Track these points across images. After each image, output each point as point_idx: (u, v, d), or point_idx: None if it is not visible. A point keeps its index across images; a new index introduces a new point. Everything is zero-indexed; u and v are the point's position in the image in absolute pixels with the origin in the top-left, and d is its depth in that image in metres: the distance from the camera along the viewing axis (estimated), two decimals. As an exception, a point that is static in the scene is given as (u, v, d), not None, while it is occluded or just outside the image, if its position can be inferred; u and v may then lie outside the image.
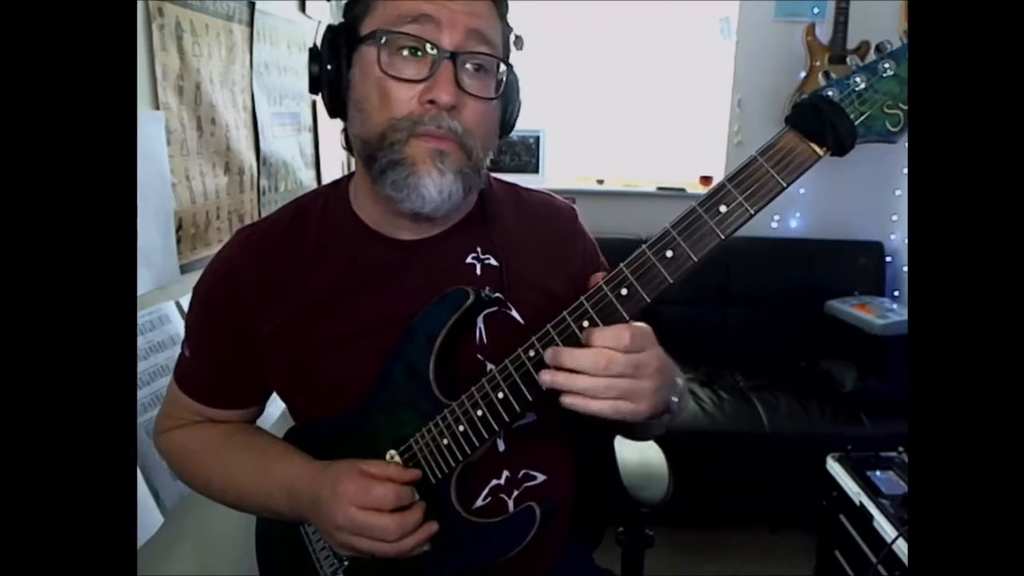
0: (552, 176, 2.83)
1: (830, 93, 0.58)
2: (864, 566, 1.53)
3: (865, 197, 2.64)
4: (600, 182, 2.84)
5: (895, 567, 1.41)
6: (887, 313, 2.23)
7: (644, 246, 0.62)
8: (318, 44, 0.74)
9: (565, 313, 0.64)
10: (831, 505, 1.69)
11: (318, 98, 1.88)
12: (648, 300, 0.61)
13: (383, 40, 0.67)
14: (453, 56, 0.67)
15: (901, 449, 1.67)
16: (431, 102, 0.67)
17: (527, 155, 2.80)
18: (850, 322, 2.28)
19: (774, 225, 2.70)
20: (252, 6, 1.40)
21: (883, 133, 0.58)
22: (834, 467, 1.70)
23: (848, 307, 2.33)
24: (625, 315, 0.62)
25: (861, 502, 1.56)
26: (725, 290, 2.53)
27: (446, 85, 0.67)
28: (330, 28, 0.73)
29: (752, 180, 0.59)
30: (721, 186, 0.59)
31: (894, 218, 2.62)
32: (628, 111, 2.82)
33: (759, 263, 2.56)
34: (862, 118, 0.57)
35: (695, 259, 0.60)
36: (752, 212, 0.59)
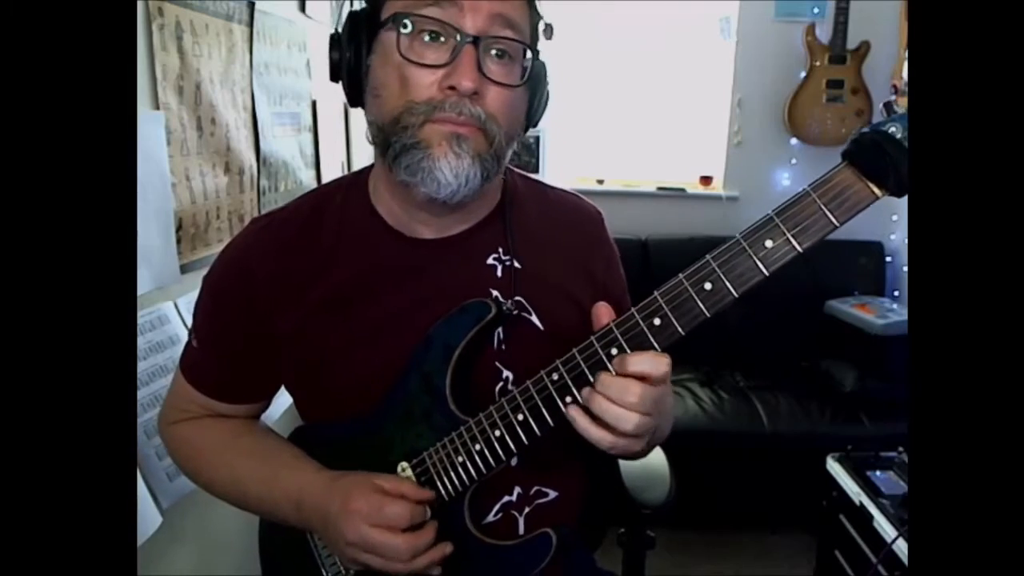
0: (552, 176, 2.83)
1: (892, 130, 0.53)
2: (864, 566, 1.53)
3: (865, 197, 2.64)
4: (600, 182, 2.84)
5: (895, 567, 1.41)
6: (887, 313, 2.23)
7: (681, 275, 0.58)
8: (339, 31, 0.71)
9: (593, 338, 0.61)
10: (831, 505, 1.69)
11: (319, 98, 1.87)
12: (683, 333, 0.59)
13: (403, 24, 0.65)
14: (475, 40, 0.64)
15: (901, 449, 1.67)
16: (452, 88, 0.64)
17: (527, 155, 2.80)
18: (850, 322, 2.28)
19: (774, 225, 2.70)
20: (252, 6, 1.40)
21: None
22: (834, 467, 1.70)
23: (848, 307, 2.33)
24: (656, 346, 0.59)
25: (861, 502, 1.56)
26: (725, 290, 2.53)
27: (468, 71, 0.64)
28: (351, 14, 0.70)
29: (802, 216, 0.55)
30: (768, 220, 0.56)
31: (894, 218, 2.62)
32: (628, 111, 2.82)
33: (759, 263, 2.56)
34: None
35: (735, 294, 0.57)
36: (800, 250, 0.55)
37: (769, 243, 0.56)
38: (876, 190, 0.54)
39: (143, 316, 1.07)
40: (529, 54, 0.69)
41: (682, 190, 2.76)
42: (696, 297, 0.58)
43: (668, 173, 2.84)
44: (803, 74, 2.53)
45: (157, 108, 1.09)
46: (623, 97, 2.81)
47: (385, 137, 0.68)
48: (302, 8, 1.71)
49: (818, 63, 2.50)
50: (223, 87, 1.30)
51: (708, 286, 0.57)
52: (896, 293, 2.58)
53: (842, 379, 2.22)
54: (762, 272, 0.56)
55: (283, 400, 0.87)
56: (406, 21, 0.65)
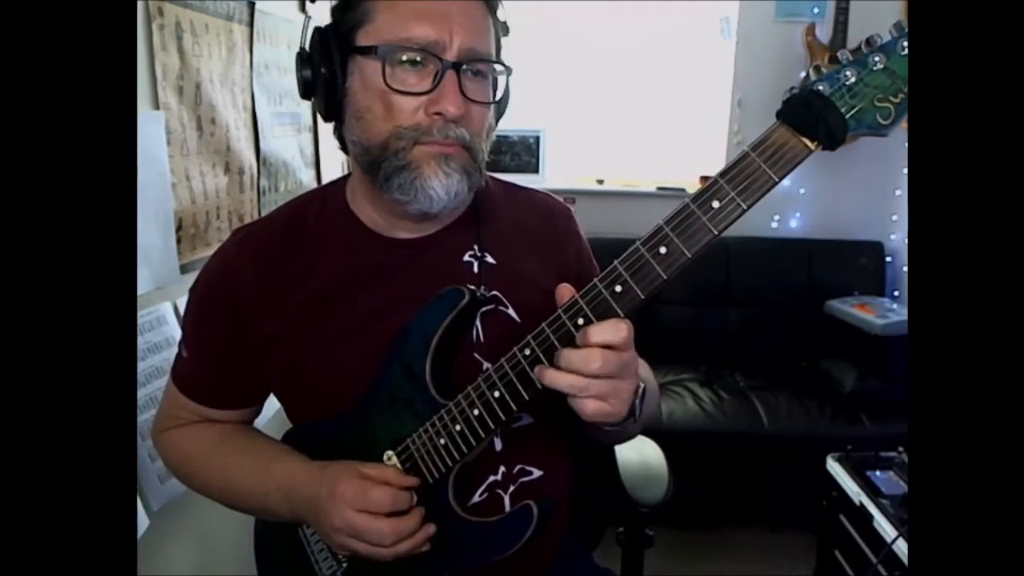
0: (552, 176, 2.83)
1: (821, 87, 0.58)
2: (864, 566, 1.53)
3: (865, 197, 2.64)
4: (600, 182, 2.84)
5: (895, 567, 1.40)
6: (887, 313, 2.22)
7: (638, 242, 0.62)
8: (307, 47, 0.73)
9: (560, 311, 0.64)
10: (831, 505, 1.69)
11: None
12: (643, 297, 0.61)
13: (387, 55, 0.67)
14: (456, 65, 0.68)
15: (901, 449, 1.67)
16: (438, 114, 0.68)
17: (527, 155, 2.79)
18: (850, 322, 2.28)
19: (774, 225, 2.70)
20: (252, 6, 1.40)
21: (873, 126, 0.57)
22: (834, 467, 1.70)
23: (848, 307, 2.32)
24: (620, 312, 0.62)
25: (861, 502, 1.56)
26: (725, 290, 2.53)
27: (453, 97, 0.68)
28: (320, 32, 0.72)
29: (744, 175, 0.58)
30: (714, 182, 0.59)
31: (894, 218, 2.62)
32: (628, 111, 2.82)
33: (759, 263, 2.56)
34: (853, 112, 0.57)
35: (689, 255, 0.60)
36: (745, 207, 0.58)
37: (716, 203, 0.59)
38: (809, 144, 0.57)
39: (142, 316, 1.07)
40: (499, 67, 0.74)
41: (682, 190, 2.75)
42: (653, 262, 0.61)
43: (668, 173, 2.83)
44: (803, 74, 2.53)
45: (157, 108, 1.09)
46: (623, 97, 2.81)
47: (373, 159, 0.71)
48: (302, 8, 1.71)
49: (818, 63, 2.49)
50: (223, 87, 1.30)
51: (663, 250, 0.61)
52: (896, 293, 2.58)
53: (842, 379, 2.22)
54: (712, 232, 0.59)
55: (274, 403, 0.87)
56: (390, 52, 0.67)
